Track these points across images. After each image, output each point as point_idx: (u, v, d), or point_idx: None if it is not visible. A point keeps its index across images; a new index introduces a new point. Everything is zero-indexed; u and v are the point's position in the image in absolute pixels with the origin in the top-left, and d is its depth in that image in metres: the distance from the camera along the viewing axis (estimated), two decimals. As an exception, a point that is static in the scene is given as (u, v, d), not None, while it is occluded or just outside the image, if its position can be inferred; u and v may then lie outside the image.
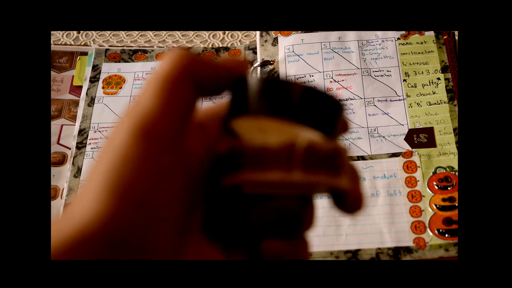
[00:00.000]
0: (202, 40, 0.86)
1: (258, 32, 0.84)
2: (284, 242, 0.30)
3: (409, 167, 0.71)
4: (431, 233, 0.66)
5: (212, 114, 0.30)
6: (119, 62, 0.84)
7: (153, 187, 0.25)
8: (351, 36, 0.82)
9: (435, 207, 0.67)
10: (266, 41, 0.83)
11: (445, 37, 0.80)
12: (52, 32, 0.87)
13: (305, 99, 0.27)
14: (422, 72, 0.78)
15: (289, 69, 0.81)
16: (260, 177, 0.27)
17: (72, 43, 0.87)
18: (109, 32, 0.88)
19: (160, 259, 0.26)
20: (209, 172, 0.29)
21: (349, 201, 0.29)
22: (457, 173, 0.69)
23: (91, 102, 0.80)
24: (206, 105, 0.31)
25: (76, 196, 0.25)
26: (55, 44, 0.86)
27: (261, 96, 0.28)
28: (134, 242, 0.24)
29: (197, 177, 0.28)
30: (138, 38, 0.88)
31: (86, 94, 0.81)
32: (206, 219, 0.29)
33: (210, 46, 0.85)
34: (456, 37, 0.80)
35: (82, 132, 0.77)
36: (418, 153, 0.72)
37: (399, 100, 0.76)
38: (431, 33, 0.81)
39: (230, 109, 0.29)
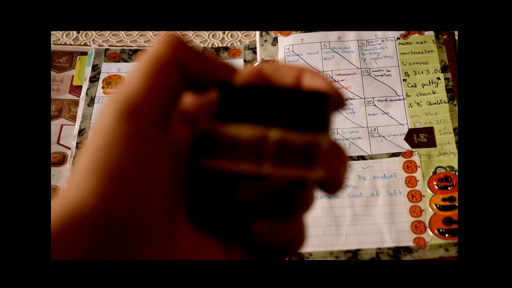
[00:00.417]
0: (202, 40, 0.86)
1: (258, 32, 0.84)
2: (276, 224, 0.29)
3: (409, 167, 0.71)
4: (431, 233, 0.66)
5: (200, 108, 0.30)
6: (119, 62, 0.84)
7: (139, 168, 0.25)
8: (350, 36, 0.82)
9: (435, 207, 0.67)
10: (266, 41, 0.83)
11: (444, 36, 0.80)
12: (52, 32, 0.87)
13: (284, 99, 0.28)
14: (422, 72, 0.78)
15: (289, 69, 0.81)
16: (230, 166, 0.27)
17: (72, 43, 0.87)
18: (108, 32, 0.88)
19: (152, 246, 0.26)
20: (190, 152, 0.29)
21: (327, 185, 0.29)
22: (457, 173, 0.69)
23: (91, 102, 0.80)
24: (195, 99, 0.31)
25: (67, 179, 0.25)
26: (55, 44, 0.86)
27: (243, 100, 0.28)
28: (123, 222, 0.24)
29: (183, 166, 0.28)
30: (138, 38, 0.88)
31: (86, 94, 0.81)
32: (192, 204, 0.29)
33: (210, 46, 0.85)
34: (456, 37, 0.80)
35: (82, 132, 0.77)
36: (418, 153, 0.72)
37: (399, 100, 0.76)
38: (431, 33, 0.81)
39: (217, 110, 0.29)
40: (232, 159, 0.27)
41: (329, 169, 0.28)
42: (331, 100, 0.29)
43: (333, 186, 0.29)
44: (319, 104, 0.29)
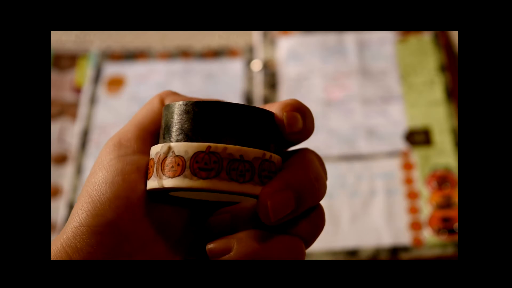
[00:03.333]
0: (202, 40, 0.86)
1: (258, 32, 0.84)
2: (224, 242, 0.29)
3: (407, 166, 0.71)
4: (429, 232, 0.66)
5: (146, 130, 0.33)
6: (120, 62, 0.84)
7: (125, 182, 0.29)
8: (350, 36, 0.82)
9: (432, 206, 0.68)
10: (266, 41, 0.83)
11: (443, 37, 0.81)
12: (52, 32, 0.87)
13: (231, 115, 0.28)
14: (420, 72, 0.78)
15: (288, 69, 0.81)
16: (184, 184, 0.28)
17: (72, 43, 0.88)
18: (109, 32, 0.88)
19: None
20: None
21: (261, 209, 0.28)
22: (454, 172, 0.69)
23: (91, 102, 0.80)
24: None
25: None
26: (55, 44, 0.86)
27: (187, 120, 0.29)
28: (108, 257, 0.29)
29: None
30: (138, 38, 0.88)
31: (87, 94, 0.81)
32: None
33: (209, 46, 0.86)
34: (456, 37, 0.81)
35: (83, 132, 0.78)
36: (416, 152, 0.72)
37: (398, 99, 0.77)
38: (430, 33, 0.81)
39: (167, 131, 0.30)
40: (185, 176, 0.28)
41: (265, 191, 0.28)
42: (277, 120, 0.29)
43: (265, 210, 0.28)
44: (265, 122, 0.29)
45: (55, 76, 0.83)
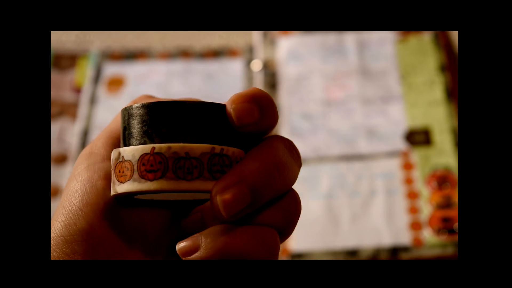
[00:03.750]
0: (202, 40, 0.86)
1: (258, 32, 0.84)
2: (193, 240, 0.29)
3: (407, 166, 0.71)
4: (429, 232, 0.66)
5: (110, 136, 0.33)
6: (120, 62, 0.84)
7: (93, 188, 0.30)
8: (350, 36, 0.82)
9: (433, 206, 0.68)
10: (266, 41, 0.83)
11: (443, 37, 0.81)
12: (52, 32, 0.87)
13: (171, 115, 0.28)
14: (420, 72, 0.78)
15: (288, 69, 0.81)
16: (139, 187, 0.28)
17: (72, 43, 0.88)
18: (109, 32, 0.88)
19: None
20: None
21: (213, 205, 0.27)
22: (454, 172, 0.69)
23: (91, 102, 0.80)
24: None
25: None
26: (55, 44, 0.86)
27: (144, 122, 0.28)
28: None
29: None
30: (138, 38, 0.88)
31: (87, 94, 0.81)
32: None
33: (209, 46, 0.86)
34: (456, 37, 0.81)
35: (83, 132, 0.78)
36: (416, 152, 0.72)
37: (398, 99, 0.77)
38: (430, 33, 0.81)
39: (122, 136, 0.30)
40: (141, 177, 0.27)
41: (215, 187, 0.27)
42: (227, 112, 0.28)
43: (216, 206, 0.27)
44: (214, 116, 0.28)
45: (55, 76, 0.83)
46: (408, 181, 0.70)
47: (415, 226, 0.67)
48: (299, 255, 0.66)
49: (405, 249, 0.66)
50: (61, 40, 0.88)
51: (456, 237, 0.65)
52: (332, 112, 0.77)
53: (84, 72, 0.83)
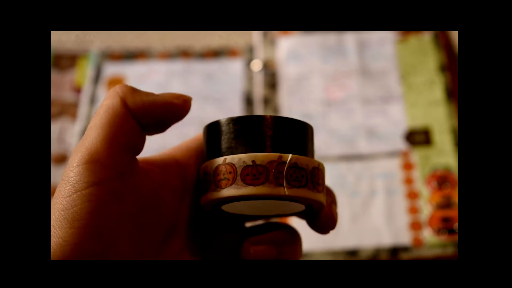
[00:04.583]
0: (202, 40, 0.86)
1: (258, 32, 0.84)
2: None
3: (407, 166, 0.71)
4: (429, 232, 0.66)
5: (190, 153, 0.33)
6: (120, 62, 0.84)
7: (105, 214, 0.27)
8: (350, 36, 0.82)
9: (432, 206, 0.68)
10: (266, 41, 0.83)
11: (443, 37, 0.81)
12: (52, 32, 0.87)
13: (276, 128, 0.31)
14: (420, 72, 0.78)
15: (288, 69, 0.81)
16: (248, 191, 0.29)
17: (72, 43, 0.88)
18: (109, 32, 0.88)
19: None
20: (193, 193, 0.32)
21: (323, 219, 0.31)
22: (454, 172, 0.69)
23: (91, 102, 0.80)
24: (185, 143, 0.33)
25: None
26: (55, 44, 0.86)
27: (236, 135, 0.30)
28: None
29: (174, 208, 0.31)
30: (138, 38, 0.88)
31: (87, 94, 0.81)
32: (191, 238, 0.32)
33: (209, 46, 0.86)
34: (456, 37, 0.81)
35: (83, 132, 0.78)
36: (416, 152, 0.72)
37: (398, 99, 0.77)
38: (430, 33, 0.81)
39: (207, 151, 0.31)
40: (252, 184, 0.29)
41: (327, 198, 0.32)
42: (311, 129, 0.32)
43: (327, 219, 0.32)
44: (303, 130, 0.31)
45: (55, 76, 0.83)
46: (408, 181, 0.70)
47: (415, 226, 0.67)
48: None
49: (405, 249, 0.66)
50: (61, 40, 0.88)
51: (456, 237, 0.65)
52: (332, 112, 0.77)
53: (84, 72, 0.83)
